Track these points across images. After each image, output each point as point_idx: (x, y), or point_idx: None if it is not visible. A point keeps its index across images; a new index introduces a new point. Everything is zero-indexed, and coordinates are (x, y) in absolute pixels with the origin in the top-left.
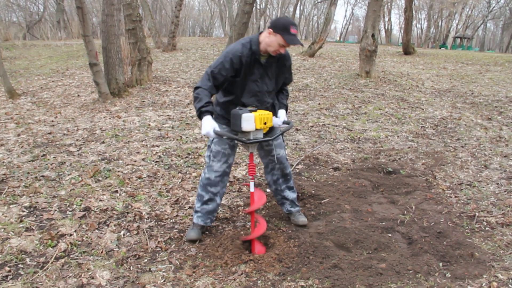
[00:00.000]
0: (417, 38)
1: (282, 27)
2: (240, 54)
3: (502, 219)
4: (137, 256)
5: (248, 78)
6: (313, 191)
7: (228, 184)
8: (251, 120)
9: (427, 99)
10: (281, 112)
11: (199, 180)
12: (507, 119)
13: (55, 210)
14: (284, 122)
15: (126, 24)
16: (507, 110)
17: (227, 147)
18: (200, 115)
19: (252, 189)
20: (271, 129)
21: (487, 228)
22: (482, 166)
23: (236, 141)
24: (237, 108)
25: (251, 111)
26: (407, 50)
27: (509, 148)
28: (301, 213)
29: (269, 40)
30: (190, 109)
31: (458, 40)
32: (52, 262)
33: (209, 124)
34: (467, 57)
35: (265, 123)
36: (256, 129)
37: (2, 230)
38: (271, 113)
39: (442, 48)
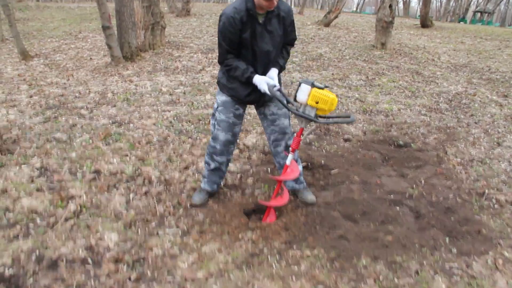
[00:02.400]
0: (436, 11)
1: None
2: (238, 14)
3: None
4: (145, 219)
5: (250, 38)
6: (322, 162)
7: (237, 151)
8: (306, 92)
9: (443, 73)
10: (273, 71)
11: (206, 147)
12: None
13: (66, 172)
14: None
15: None
16: None
17: (231, 115)
18: (248, 79)
19: (288, 161)
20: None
21: (496, 206)
22: (495, 143)
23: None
24: (308, 79)
25: (315, 86)
26: (425, 23)
27: None
28: (308, 190)
29: None
30: (202, 75)
31: (478, 14)
32: (61, 223)
33: (265, 81)
34: (487, 32)
35: (316, 102)
36: (308, 104)
37: (14, 189)
38: (334, 98)
39: (461, 23)
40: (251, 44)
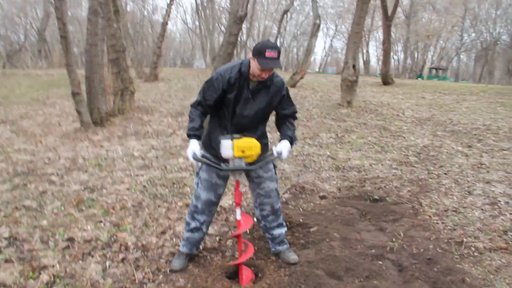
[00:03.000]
0: (395, 69)
1: (258, 51)
2: (229, 74)
3: (489, 244)
4: (124, 287)
5: (234, 100)
6: (301, 220)
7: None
8: (229, 147)
9: (408, 127)
10: (284, 143)
11: (189, 206)
12: (486, 146)
13: (37, 241)
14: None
15: (109, 54)
16: (485, 138)
17: (214, 175)
18: (189, 136)
19: (238, 216)
20: (260, 158)
21: (475, 254)
22: (466, 192)
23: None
24: (224, 134)
25: (234, 138)
26: (386, 80)
27: (490, 175)
28: (290, 250)
29: (251, 66)
30: (173, 139)
31: (434, 71)
32: None
33: (191, 148)
34: (444, 87)
35: (242, 151)
36: (235, 157)
37: None
38: (255, 142)
39: (419, 79)
40: (233, 105)
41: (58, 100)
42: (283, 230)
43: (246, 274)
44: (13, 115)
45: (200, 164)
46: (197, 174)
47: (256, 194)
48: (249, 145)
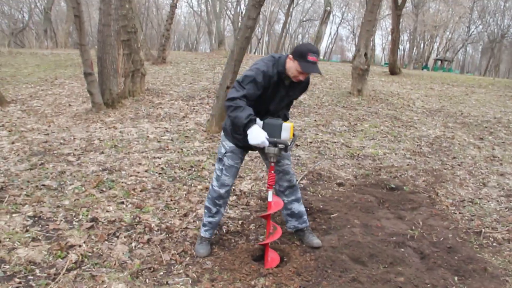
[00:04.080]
0: (400, 59)
1: (300, 54)
2: (270, 73)
3: (507, 235)
4: (152, 268)
5: (270, 97)
6: (321, 206)
7: (235, 197)
8: (288, 130)
9: (419, 118)
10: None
11: (207, 193)
12: (498, 139)
13: (61, 220)
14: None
15: (120, 35)
16: (497, 131)
17: (239, 161)
18: (248, 124)
19: (270, 198)
20: None
21: (494, 244)
22: (481, 184)
23: (267, 150)
24: (269, 118)
25: (282, 121)
26: (394, 70)
27: (504, 167)
28: (313, 233)
29: (288, 66)
30: (186, 122)
31: (439, 62)
32: (63, 274)
33: (261, 133)
34: (451, 79)
35: (293, 134)
36: (290, 138)
37: (8, 239)
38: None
39: (424, 70)
40: (268, 100)
41: (67, 80)
42: (301, 208)
43: (272, 256)
44: (22, 95)
45: (224, 151)
46: (221, 160)
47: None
48: (293, 127)
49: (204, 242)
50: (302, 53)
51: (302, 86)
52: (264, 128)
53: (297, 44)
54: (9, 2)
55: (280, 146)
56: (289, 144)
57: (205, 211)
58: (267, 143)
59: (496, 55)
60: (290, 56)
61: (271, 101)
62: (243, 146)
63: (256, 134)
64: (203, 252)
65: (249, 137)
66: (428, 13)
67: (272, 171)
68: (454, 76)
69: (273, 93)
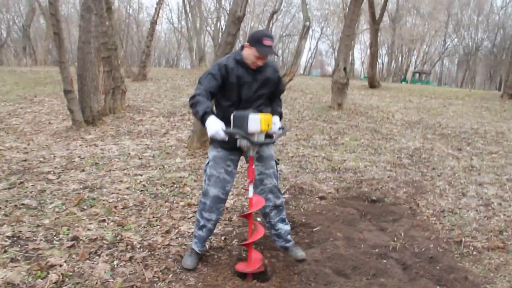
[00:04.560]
0: (379, 72)
1: (256, 39)
2: (225, 63)
3: (487, 244)
4: (135, 286)
5: (238, 87)
6: (303, 220)
7: None
8: (257, 121)
9: (399, 130)
10: (276, 119)
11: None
12: (475, 149)
13: (41, 240)
14: (279, 128)
15: (101, 52)
16: (474, 141)
17: (222, 171)
18: (204, 115)
19: (250, 194)
20: (267, 135)
21: (474, 253)
22: (460, 194)
23: (239, 144)
24: (238, 111)
25: (254, 112)
26: (373, 83)
27: (482, 177)
28: (298, 247)
29: (246, 53)
30: (168, 139)
31: (417, 75)
32: None
33: (216, 123)
34: (429, 91)
35: (268, 125)
36: (261, 131)
37: None
38: (272, 115)
39: (403, 83)
40: (237, 89)
41: (46, 98)
42: (287, 227)
43: (255, 256)
44: (1, 113)
45: (207, 160)
46: (205, 171)
47: (259, 191)
48: (270, 119)
49: (193, 255)
50: (258, 39)
51: (268, 74)
52: (233, 121)
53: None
54: None
55: (253, 138)
56: (255, 136)
57: (196, 222)
58: (222, 133)
59: (472, 67)
60: (247, 44)
61: (240, 89)
62: (232, 147)
63: (211, 126)
64: (189, 264)
65: (207, 130)
66: (405, 27)
67: (252, 166)
68: (432, 88)
69: (238, 80)
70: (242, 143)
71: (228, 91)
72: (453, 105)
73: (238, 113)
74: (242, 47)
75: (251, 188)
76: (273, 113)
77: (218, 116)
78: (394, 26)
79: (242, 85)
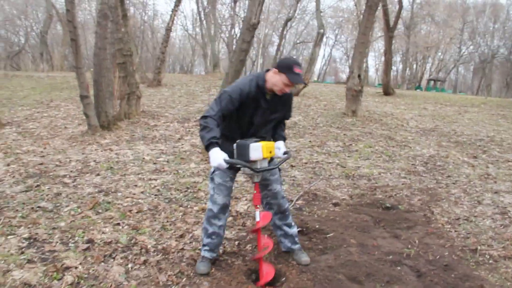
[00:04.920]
0: (393, 79)
1: (287, 66)
2: (248, 91)
3: (503, 252)
4: None
5: (252, 112)
6: (317, 226)
7: (231, 218)
8: (259, 149)
9: (413, 137)
10: (281, 144)
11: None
12: (491, 157)
13: (57, 242)
14: (284, 153)
15: (116, 58)
16: (490, 149)
17: (228, 179)
18: (209, 146)
19: (257, 218)
20: (271, 160)
21: (490, 261)
22: (475, 202)
23: (243, 171)
24: (241, 139)
25: (256, 141)
26: (387, 90)
27: (498, 185)
28: (303, 251)
29: (274, 80)
30: (182, 144)
31: (432, 82)
32: None
33: (219, 155)
34: (444, 99)
35: (270, 152)
36: (263, 158)
37: (2, 261)
38: (273, 142)
39: (418, 90)
40: (250, 116)
41: (62, 103)
42: (294, 230)
43: (267, 270)
44: (18, 117)
45: (212, 169)
46: (212, 179)
47: (264, 195)
48: (273, 146)
49: (205, 261)
50: (289, 66)
51: (283, 100)
52: (236, 149)
53: (280, 58)
54: (5, 26)
55: (255, 166)
56: (257, 164)
57: (203, 231)
58: (224, 165)
59: (488, 75)
60: (275, 70)
61: (253, 115)
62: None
63: (215, 157)
64: (202, 270)
65: (210, 159)
66: (420, 34)
67: (256, 191)
68: (447, 96)
69: (254, 108)
70: (245, 170)
71: (242, 114)
72: (468, 113)
73: (241, 141)
74: (267, 70)
75: (257, 213)
76: (278, 138)
77: (223, 132)
78: (408, 33)
79: (257, 111)
